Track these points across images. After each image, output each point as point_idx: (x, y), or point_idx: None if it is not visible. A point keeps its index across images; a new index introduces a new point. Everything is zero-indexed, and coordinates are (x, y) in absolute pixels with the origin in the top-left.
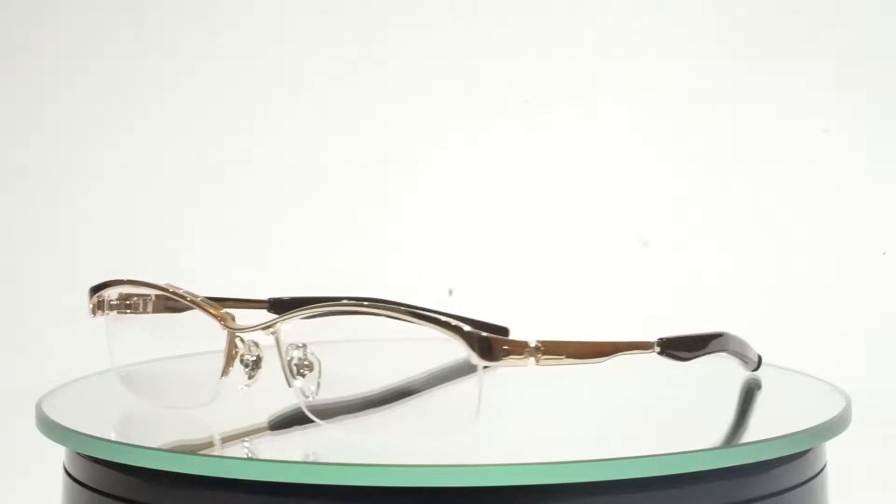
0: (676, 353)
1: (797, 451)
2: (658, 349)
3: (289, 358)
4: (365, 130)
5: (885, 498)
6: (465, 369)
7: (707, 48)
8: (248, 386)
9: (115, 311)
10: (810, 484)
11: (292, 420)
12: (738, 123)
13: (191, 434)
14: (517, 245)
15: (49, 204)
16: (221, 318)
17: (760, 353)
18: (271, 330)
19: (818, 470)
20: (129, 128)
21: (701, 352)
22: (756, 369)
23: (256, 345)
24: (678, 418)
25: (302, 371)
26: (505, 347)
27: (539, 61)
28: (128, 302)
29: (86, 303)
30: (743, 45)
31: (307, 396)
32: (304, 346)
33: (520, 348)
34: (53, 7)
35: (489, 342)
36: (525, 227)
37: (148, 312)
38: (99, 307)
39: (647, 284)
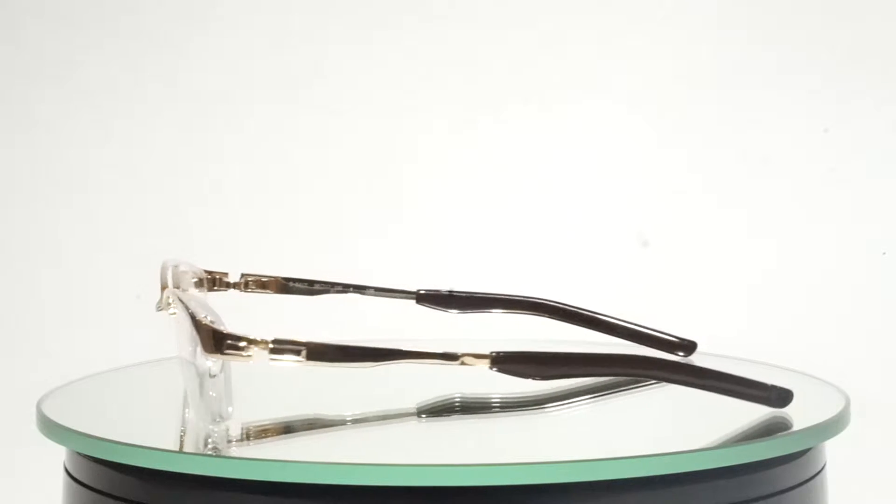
0: (514, 367)
1: (797, 450)
2: (489, 363)
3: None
4: (365, 130)
5: (885, 498)
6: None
7: (707, 48)
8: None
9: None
10: (810, 484)
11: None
12: (738, 123)
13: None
14: (517, 244)
15: (49, 204)
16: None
17: (782, 387)
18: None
19: (818, 470)
20: (129, 127)
21: (563, 371)
22: (778, 405)
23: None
24: (678, 419)
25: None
26: (228, 342)
27: (539, 60)
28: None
29: (87, 302)
30: (743, 45)
31: (212, 376)
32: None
33: (240, 343)
34: (53, 6)
35: (214, 336)
36: (525, 227)
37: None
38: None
39: (646, 284)
